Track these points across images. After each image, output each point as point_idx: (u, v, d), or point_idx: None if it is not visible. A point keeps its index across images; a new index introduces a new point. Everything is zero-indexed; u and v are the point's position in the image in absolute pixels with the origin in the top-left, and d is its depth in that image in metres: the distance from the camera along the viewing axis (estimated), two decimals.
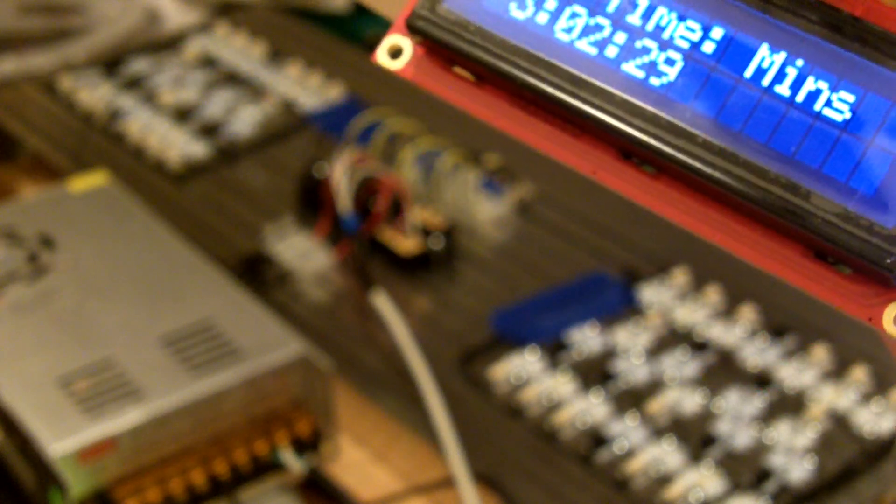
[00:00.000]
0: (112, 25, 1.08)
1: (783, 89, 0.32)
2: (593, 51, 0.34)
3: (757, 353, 0.74)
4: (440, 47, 0.36)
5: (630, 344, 0.75)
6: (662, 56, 0.33)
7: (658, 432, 0.70)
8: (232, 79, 1.02)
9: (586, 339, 0.76)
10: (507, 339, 0.76)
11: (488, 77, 0.35)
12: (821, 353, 0.74)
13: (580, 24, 0.34)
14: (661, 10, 0.34)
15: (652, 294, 0.79)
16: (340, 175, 0.80)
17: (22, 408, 0.64)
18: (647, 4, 0.34)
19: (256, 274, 0.82)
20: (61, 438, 0.63)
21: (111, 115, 0.98)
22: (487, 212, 0.86)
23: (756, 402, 0.71)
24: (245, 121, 0.97)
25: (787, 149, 0.32)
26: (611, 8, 0.34)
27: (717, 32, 0.33)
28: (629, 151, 0.34)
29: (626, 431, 0.70)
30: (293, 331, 0.69)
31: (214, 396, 0.65)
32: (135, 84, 1.01)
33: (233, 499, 0.66)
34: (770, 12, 0.32)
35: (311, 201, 0.84)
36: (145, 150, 0.95)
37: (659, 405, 0.71)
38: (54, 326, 0.69)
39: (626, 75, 0.33)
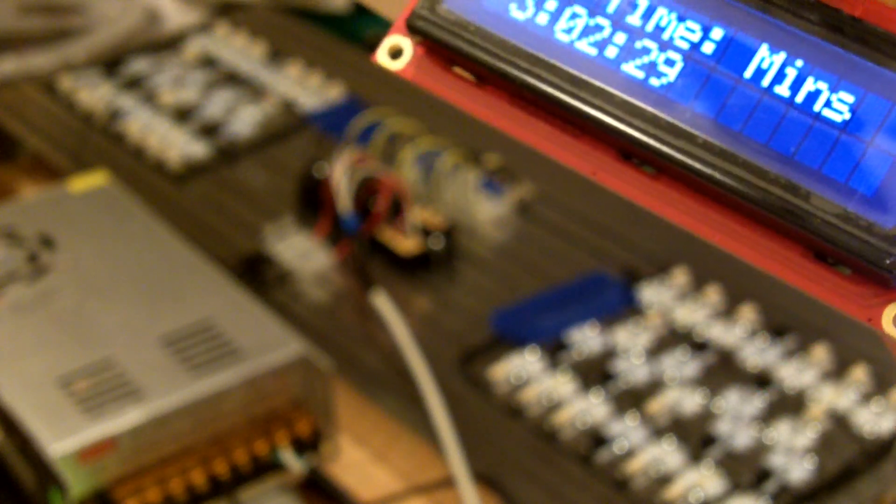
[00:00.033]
0: (112, 25, 1.08)
1: (783, 90, 0.32)
2: (593, 51, 0.34)
3: (757, 353, 0.74)
4: (440, 47, 0.36)
5: (630, 344, 0.75)
6: (662, 56, 0.33)
7: (658, 432, 0.70)
8: (232, 79, 1.02)
9: (586, 339, 0.76)
10: (507, 339, 0.76)
11: (488, 77, 0.35)
12: (821, 353, 0.74)
13: (580, 24, 0.34)
14: (661, 11, 0.34)
15: (652, 294, 0.79)
16: (340, 175, 0.80)
17: (22, 408, 0.64)
18: (646, 5, 0.34)
19: (256, 274, 0.82)
20: (61, 438, 0.63)
21: (111, 115, 0.98)
22: (487, 212, 0.86)
23: (756, 402, 0.71)
24: (245, 121, 0.97)
25: (786, 149, 0.32)
26: (611, 8, 0.34)
27: (717, 33, 0.33)
28: (629, 152, 0.34)
29: (626, 431, 0.70)
30: (293, 331, 0.69)
31: (214, 396, 0.65)
32: (135, 84, 1.01)
33: (233, 499, 0.66)
34: (770, 13, 0.32)
35: (311, 201, 0.84)
36: (145, 150, 0.95)
37: (659, 405, 0.71)
38: (54, 326, 0.69)
39: (625, 76, 0.33)
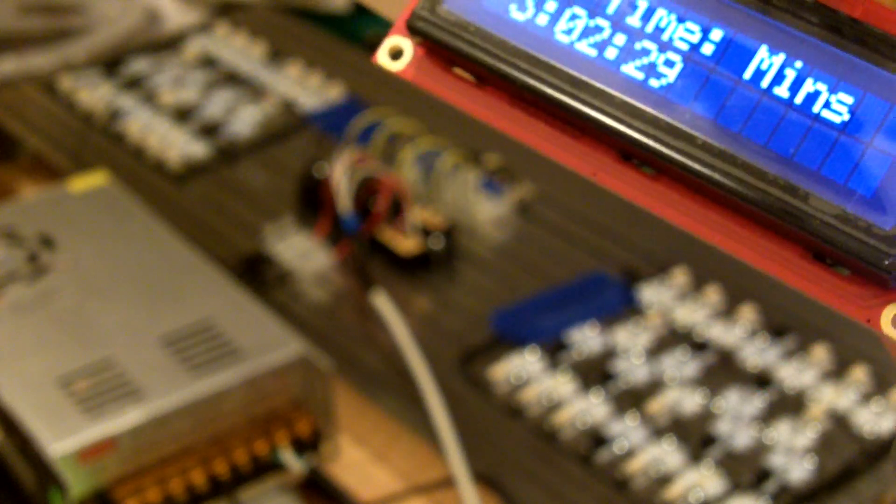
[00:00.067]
0: (112, 25, 1.08)
1: (782, 91, 0.32)
2: (593, 52, 0.34)
3: (757, 353, 0.74)
4: (440, 48, 0.36)
5: (630, 344, 0.75)
6: (662, 58, 0.33)
7: (658, 432, 0.70)
8: (232, 79, 1.02)
9: (586, 339, 0.76)
10: (507, 339, 0.76)
11: (488, 78, 0.35)
12: (821, 353, 0.74)
13: (580, 25, 0.34)
14: (661, 12, 0.34)
15: (652, 294, 0.79)
16: (340, 175, 0.80)
17: (22, 408, 0.64)
18: (646, 6, 0.34)
19: (256, 274, 0.82)
20: (61, 438, 0.63)
21: (111, 115, 0.98)
22: (487, 212, 0.86)
23: (756, 402, 0.71)
24: (245, 121, 0.97)
25: (785, 150, 0.32)
26: (610, 9, 0.34)
27: (717, 34, 0.33)
28: (629, 153, 0.34)
29: (626, 431, 0.70)
30: (293, 331, 0.69)
31: (214, 396, 0.65)
32: (135, 84, 1.01)
33: (233, 499, 0.66)
34: (769, 14, 0.33)
35: (311, 201, 0.84)
36: (145, 150, 0.95)
37: (659, 405, 0.71)
38: (54, 326, 0.69)
39: (625, 77, 0.33)
